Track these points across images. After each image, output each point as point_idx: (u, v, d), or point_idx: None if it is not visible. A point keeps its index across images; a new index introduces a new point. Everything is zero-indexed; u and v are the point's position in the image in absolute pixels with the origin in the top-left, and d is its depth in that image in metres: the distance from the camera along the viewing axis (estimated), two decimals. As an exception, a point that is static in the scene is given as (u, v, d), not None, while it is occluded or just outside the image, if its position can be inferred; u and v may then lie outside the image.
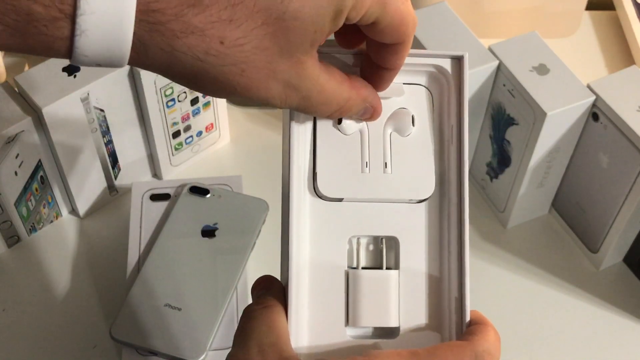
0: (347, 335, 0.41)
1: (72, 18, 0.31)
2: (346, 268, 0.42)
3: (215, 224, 0.66)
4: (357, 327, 0.41)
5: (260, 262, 0.66)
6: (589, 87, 0.64)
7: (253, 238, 0.66)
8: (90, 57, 0.32)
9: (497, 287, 0.69)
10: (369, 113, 0.42)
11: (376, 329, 0.42)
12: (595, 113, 0.64)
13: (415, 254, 0.42)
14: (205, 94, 0.37)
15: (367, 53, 0.41)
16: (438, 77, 0.43)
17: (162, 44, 0.33)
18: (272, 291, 0.41)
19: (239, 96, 0.36)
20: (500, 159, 0.70)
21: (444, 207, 0.42)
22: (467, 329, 0.40)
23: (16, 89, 0.66)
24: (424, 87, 0.43)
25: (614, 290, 0.69)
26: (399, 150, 0.43)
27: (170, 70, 0.35)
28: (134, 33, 0.32)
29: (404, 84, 0.43)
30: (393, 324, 0.41)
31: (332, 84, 0.39)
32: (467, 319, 0.40)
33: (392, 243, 0.42)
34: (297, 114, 0.42)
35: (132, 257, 0.65)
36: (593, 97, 0.63)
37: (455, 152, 0.42)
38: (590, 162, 0.66)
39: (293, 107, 0.38)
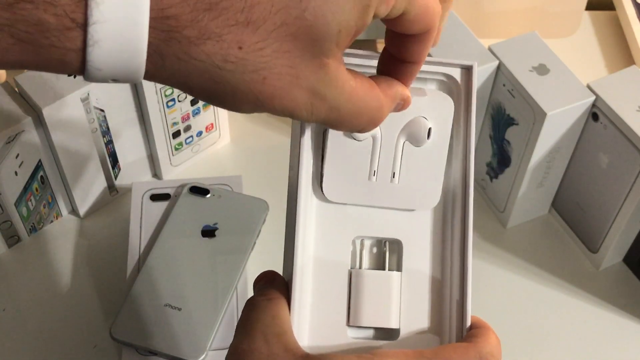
0: (348, 335, 0.41)
1: (84, 27, 0.30)
2: (349, 268, 0.42)
3: (215, 224, 0.66)
4: (358, 327, 0.42)
5: (260, 262, 0.66)
6: (588, 87, 0.64)
7: (253, 238, 0.66)
8: (105, 70, 0.31)
9: (496, 287, 0.69)
10: (399, 107, 0.40)
11: (377, 330, 0.42)
12: (595, 113, 0.64)
13: (418, 258, 0.42)
14: (226, 108, 0.35)
15: (387, 49, 0.39)
16: (448, 85, 0.43)
17: (179, 52, 0.31)
18: (275, 285, 0.41)
19: (263, 109, 0.34)
20: (500, 159, 0.70)
21: (448, 213, 0.43)
22: (469, 333, 0.40)
23: (16, 89, 0.66)
24: (448, 96, 0.43)
25: (614, 290, 0.69)
26: (409, 160, 0.42)
27: (188, 82, 0.33)
28: (150, 43, 0.31)
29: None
30: (393, 325, 0.41)
31: (361, 91, 0.36)
32: (468, 323, 0.41)
33: (396, 246, 0.43)
34: None
35: (132, 257, 0.65)
36: (593, 97, 0.63)
37: (462, 161, 0.42)
38: (590, 162, 0.66)
39: (321, 119, 0.36)
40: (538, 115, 0.63)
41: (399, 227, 0.43)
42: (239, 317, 0.40)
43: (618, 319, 0.67)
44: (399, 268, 0.42)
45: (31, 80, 0.64)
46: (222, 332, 0.60)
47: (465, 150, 0.42)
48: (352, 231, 0.42)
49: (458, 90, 0.43)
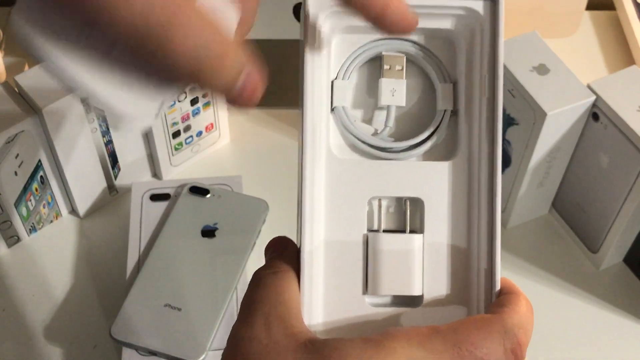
0: (365, 303, 0.38)
1: None
2: (365, 232, 0.38)
3: (215, 224, 0.66)
4: (377, 296, 0.38)
5: (260, 262, 0.65)
6: (589, 87, 0.64)
7: (253, 238, 0.66)
8: None
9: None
10: (247, 93, 0.31)
11: (397, 296, 0.38)
12: (596, 113, 0.64)
13: (442, 217, 0.38)
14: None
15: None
16: (468, 21, 0.38)
17: None
18: (285, 255, 0.37)
19: None
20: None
21: (473, 166, 0.38)
22: (496, 300, 0.36)
23: (16, 89, 0.66)
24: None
25: (614, 290, 0.69)
26: None
27: None
28: None
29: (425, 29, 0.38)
30: (416, 292, 0.38)
31: (210, 17, 0.29)
32: (498, 287, 0.37)
33: (417, 205, 0.39)
34: (311, 58, 0.36)
35: (132, 257, 0.65)
36: (593, 97, 0.63)
37: (487, 105, 0.38)
38: (590, 162, 0.66)
39: (131, 16, 0.27)
40: (538, 115, 0.63)
41: (420, 184, 0.38)
42: (245, 292, 0.37)
43: (618, 319, 0.67)
44: (421, 230, 0.38)
45: (31, 80, 0.64)
46: (222, 332, 0.60)
47: (493, 94, 0.38)
48: (368, 191, 0.38)
49: (482, 26, 0.38)
